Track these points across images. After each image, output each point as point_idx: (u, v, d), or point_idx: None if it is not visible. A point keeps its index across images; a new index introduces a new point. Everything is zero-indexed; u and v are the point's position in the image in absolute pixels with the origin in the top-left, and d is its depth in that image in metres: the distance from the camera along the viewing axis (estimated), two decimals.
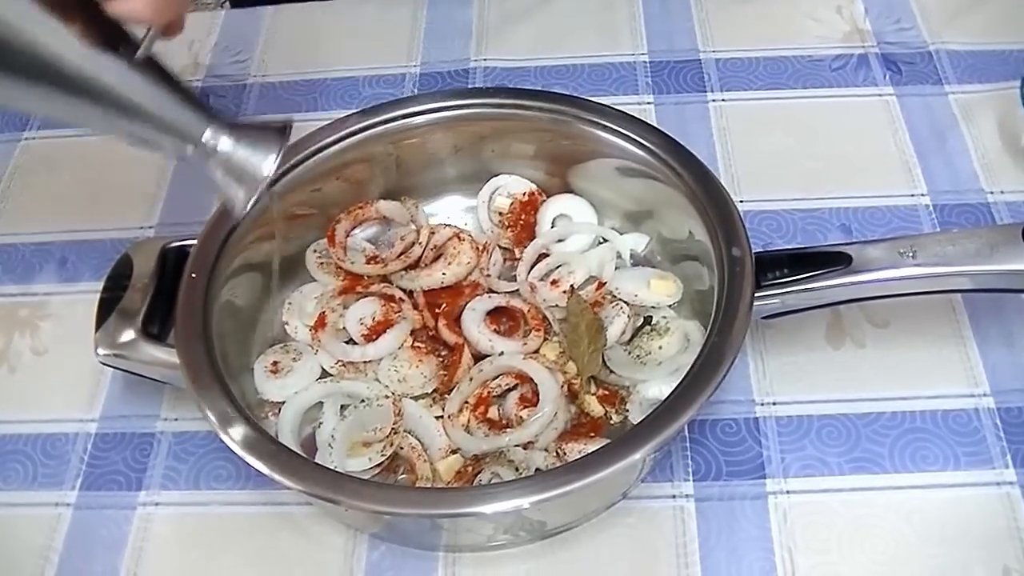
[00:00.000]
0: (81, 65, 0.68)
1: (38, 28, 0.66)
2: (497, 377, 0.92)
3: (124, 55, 0.70)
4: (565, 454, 0.86)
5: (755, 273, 0.83)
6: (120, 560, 0.89)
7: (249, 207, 0.77)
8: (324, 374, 0.94)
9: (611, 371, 0.92)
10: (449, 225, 1.05)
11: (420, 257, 1.01)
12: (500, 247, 1.04)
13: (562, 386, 0.90)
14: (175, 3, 0.74)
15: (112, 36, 0.70)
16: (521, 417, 0.89)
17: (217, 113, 0.75)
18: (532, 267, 1.00)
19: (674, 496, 0.88)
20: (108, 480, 0.93)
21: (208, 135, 0.74)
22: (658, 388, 0.89)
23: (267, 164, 0.75)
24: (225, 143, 0.74)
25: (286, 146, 0.76)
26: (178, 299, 0.87)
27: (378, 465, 0.86)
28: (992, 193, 1.07)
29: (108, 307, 0.89)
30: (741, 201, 1.07)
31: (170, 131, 0.73)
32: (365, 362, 0.94)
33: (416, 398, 0.92)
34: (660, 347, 0.91)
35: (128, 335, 0.87)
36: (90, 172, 1.19)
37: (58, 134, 1.24)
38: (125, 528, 0.90)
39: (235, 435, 0.78)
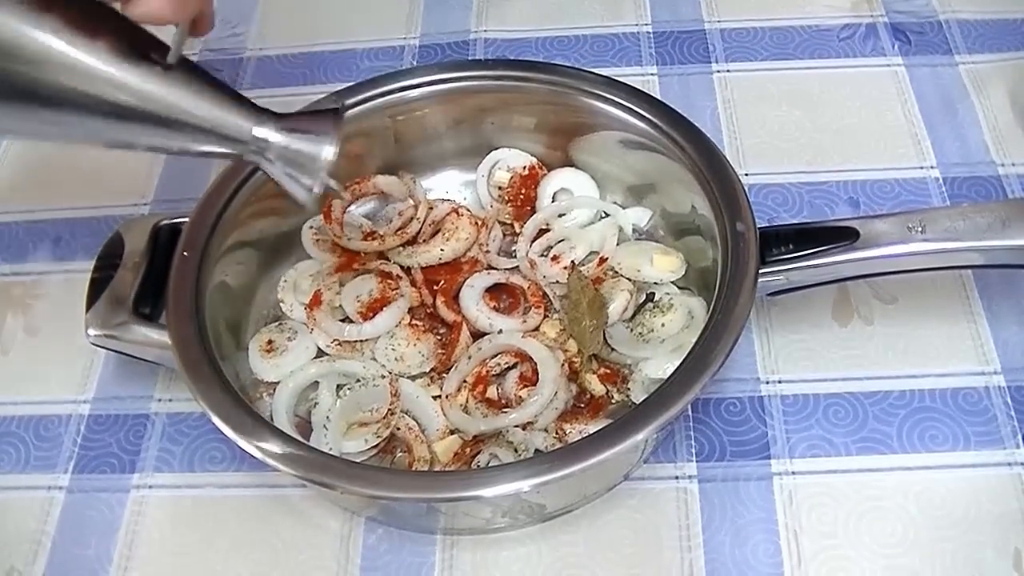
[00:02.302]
0: (115, 83, 0.64)
1: (64, 57, 0.62)
2: (496, 356, 0.91)
3: (156, 62, 0.66)
4: (565, 435, 0.85)
5: (760, 249, 0.81)
6: (113, 544, 0.88)
7: (315, 198, 0.73)
8: (320, 353, 0.93)
9: (613, 349, 0.90)
10: (448, 200, 1.03)
11: (418, 233, 1.00)
12: (500, 222, 1.02)
13: (562, 365, 0.88)
14: None
15: (140, 44, 0.66)
16: (520, 397, 0.88)
17: (263, 108, 0.71)
18: (532, 242, 0.99)
19: (677, 477, 0.87)
20: (101, 463, 0.92)
21: (258, 132, 0.70)
22: (661, 366, 0.87)
23: (326, 151, 0.71)
24: (277, 137, 0.70)
25: (343, 129, 0.72)
26: (170, 278, 0.85)
27: (375, 446, 0.85)
28: (1003, 166, 1.05)
29: (99, 287, 0.87)
30: (746, 174, 1.06)
31: (218, 135, 0.69)
32: (361, 341, 0.92)
33: (413, 377, 0.91)
34: (663, 324, 0.89)
35: (119, 316, 0.85)
36: (83, 150, 1.16)
37: None
38: (118, 511, 0.89)
39: (227, 418, 0.76)
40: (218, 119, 0.68)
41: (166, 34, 0.68)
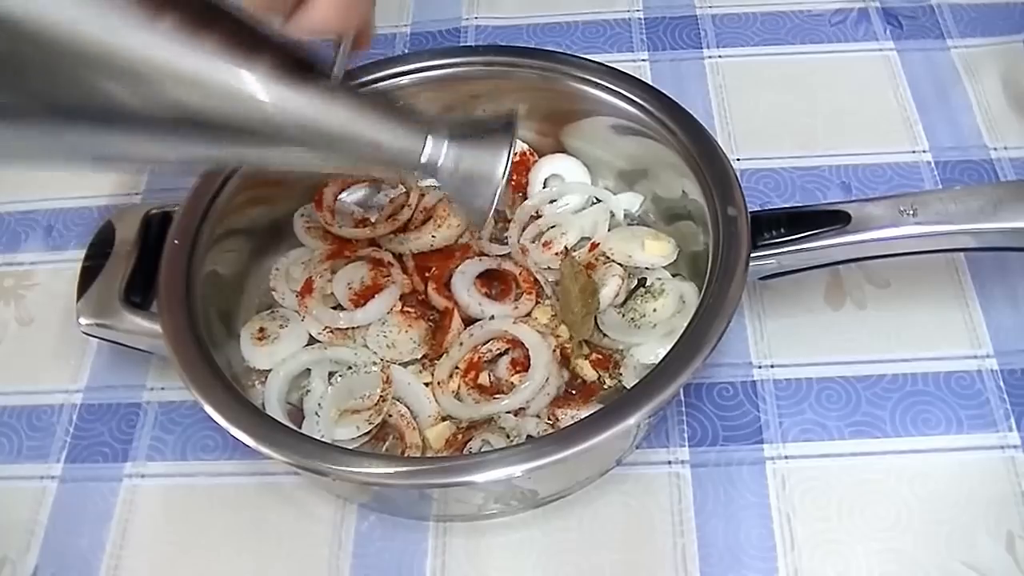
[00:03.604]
0: (280, 107, 0.60)
1: (221, 81, 0.57)
2: (488, 342, 0.90)
3: (319, 80, 0.62)
4: (557, 420, 0.84)
5: (751, 233, 0.81)
6: (106, 533, 0.87)
7: (484, 216, 0.71)
8: (312, 341, 0.93)
9: (604, 334, 0.90)
10: (439, 187, 1.02)
11: (409, 220, 0.99)
12: None
13: (554, 350, 0.88)
14: (357, 5, 0.65)
15: (299, 63, 0.61)
16: (512, 383, 0.88)
17: (434, 117, 0.68)
18: (524, 229, 0.99)
19: (669, 462, 0.87)
20: (94, 452, 0.92)
21: (430, 149, 0.66)
22: (652, 351, 0.87)
23: (499, 169, 0.68)
24: (449, 155, 0.67)
25: (515, 143, 0.69)
26: (161, 267, 0.85)
27: (366, 433, 0.85)
28: (996, 149, 1.05)
29: (90, 276, 0.87)
30: (738, 159, 1.06)
31: (388, 153, 0.66)
32: (353, 328, 0.92)
33: (405, 364, 0.91)
34: (655, 309, 0.89)
35: (110, 305, 0.85)
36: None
37: None
38: (111, 501, 0.89)
39: (219, 406, 0.76)
40: (387, 136, 0.65)
41: None
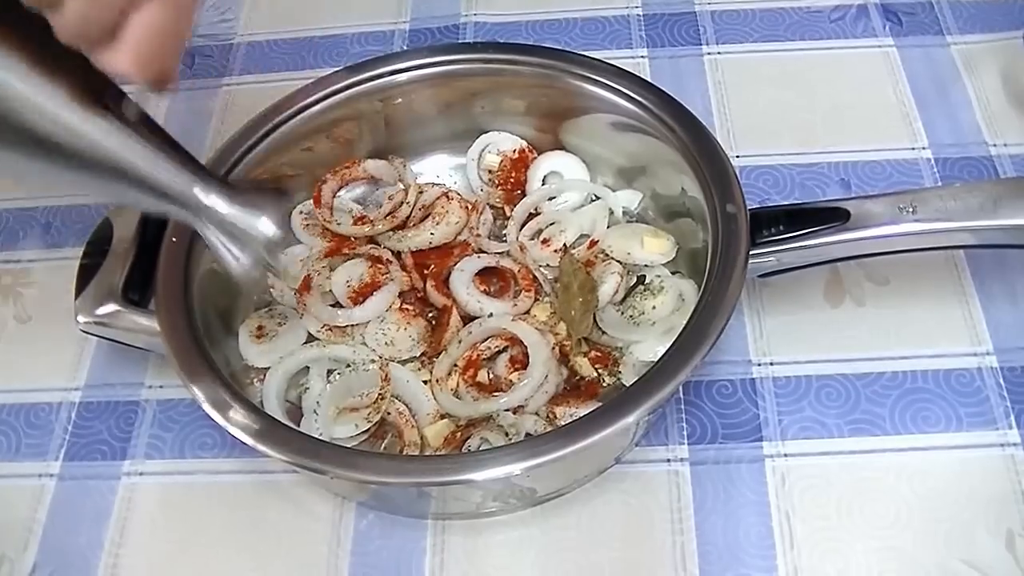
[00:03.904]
0: (72, 129, 0.63)
1: (31, 99, 0.61)
2: (487, 339, 0.90)
3: (114, 112, 0.65)
4: (556, 418, 0.84)
5: (750, 230, 0.81)
6: (105, 531, 0.87)
7: (248, 273, 0.73)
8: (310, 338, 0.93)
9: (603, 332, 0.90)
10: (438, 184, 1.03)
11: (408, 217, 0.99)
12: (490, 206, 1.02)
13: (553, 348, 0.88)
14: (162, 57, 0.66)
15: (99, 89, 0.65)
16: (511, 380, 0.88)
17: (211, 173, 0.70)
18: (522, 226, 0.99)
19: (669, 460, 0.86)
20: (92, 450, 0.92)
21: (202, 197, 0.69)
22: (652, 349, 0.87)
23: (265, 227, 0.70)
24: (222, 205, 0.69)
25: (290, 208, 0.72)
26: (159, 264, 0.85)
27: (365, 431, 0.85)
28: (995, 146, 1.05)
29: (88, 274, 0.87)
30: (737, 156, 1.06)
31: (161, 194, 0.68)
32: (352, 325, 0.92)
33: (404, 362, 0.91)
34: (654, 307, 0.89)
35: (108, 302, 0.85)
36: None
37: None
38: (110, 498, 0.89)
39: (217, 405, 0.76)
40: (167, 179, 0.67)
41: None
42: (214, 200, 0.69)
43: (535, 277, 0.94)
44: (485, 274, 0.96)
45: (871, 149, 1.05)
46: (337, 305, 0.94)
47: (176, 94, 0.75)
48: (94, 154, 0.64)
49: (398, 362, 0.90)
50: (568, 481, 0.84)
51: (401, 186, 1.01)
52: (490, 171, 1.03)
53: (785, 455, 0.86)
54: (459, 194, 1.01)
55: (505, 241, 0.98)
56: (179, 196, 0.68)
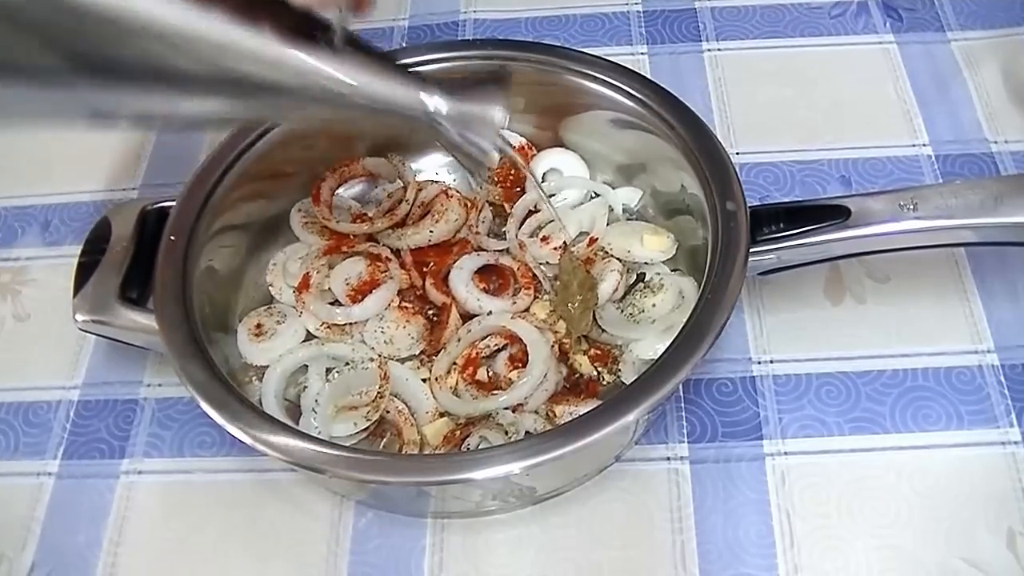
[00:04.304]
0: (284, 67, 0.64)
1: (234, 48, 0.61)
2: (486, 337, 0.90)
3: (323, 42, 0.66)
4: (556, 416, 0.84)
5: (750, 228, 0.81)
6: (103, 529, 0.87)
7: (491, 159, 0.75)
8: (309, 336, 0.92)
9: (603, 330, 0.90)
10: (437, 181, 1.03)
11: (407, 215, 0.99)
12: (489, 203, 1.01)
13: (552, 346, 0.88)
14: None
15: (305, 26, 0.65)
16: (510, 379, 0.87)
17: (430, 78, 0.72)
18: (522, 223, 0.98)
19: (668, 458, 0.86)
20: (91, 448, 0.92)
21: (429, 103, 0.71)
22: (651, 347, 0.87)
23: (497, 113, 0.73)
24: (448, 106, 0.72)
25: (510, 90, 0.74)
26: (157, 263, 0.85)
27: (364, 430, 0.85)
28: (996, 143, 1.05)
29: (86, 272, 0.87)
30: (737, 153, 1.06)
31: (390, 111, 0.70)
32: (351, 323, 0.92)
33: (403, 360, 0.91)
34: (653, 305, 0.89)
35: (107, 301, 0.85)
36: (73, 133, 1.16)
37: None
38: (108, 497, 0.89)
39: (215, 403, 0.76)
40: (389, 96, 0.69)
41: None
42: (439, 102, 0.71)
43: (534, 275, 0.94)
44: (484, 272, 0.95)
45: (872, 146, 1.05)
46: (336, 303, 0.93)
47: (371, 14, 0.77)
48: (315, 86, 0.65)
49: (397, 360, 0.90)
50: (568, 480, 0.84)
51: (400, 183, 1.01)
52: (489, 168, 1.02)
53: (785, 453, 0.86)
54: (458, 191, 1.01)
55: (504, 239, 0.98)
56: (408, 109, 0.71)
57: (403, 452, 0.84)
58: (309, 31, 0.65)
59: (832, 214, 0.81)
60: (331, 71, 0.65)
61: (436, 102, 0.71)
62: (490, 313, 0.90)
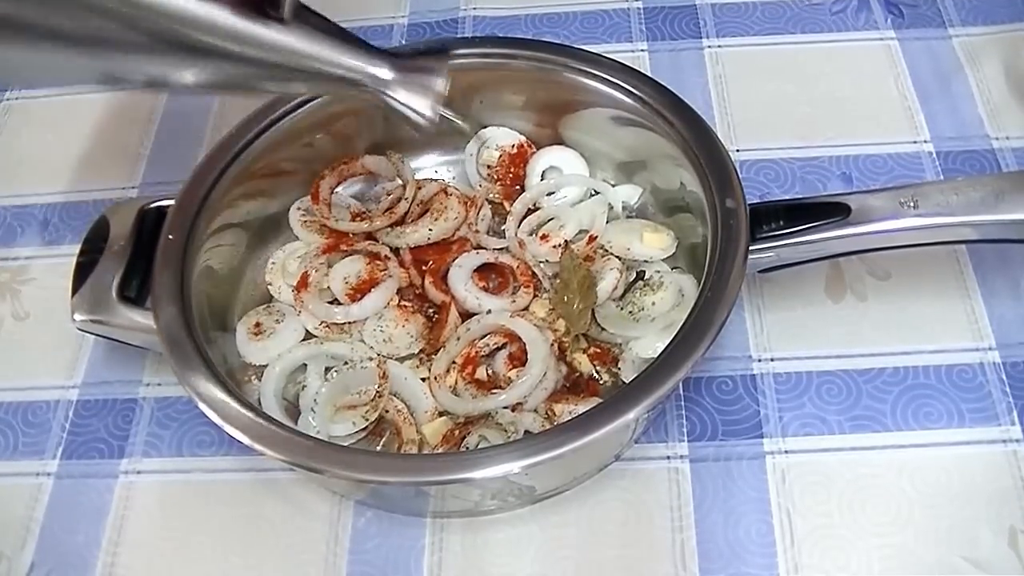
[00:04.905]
0: (239, 39, 0.69)
1: (195, 20, 0.67)
2: (485, 336, 0.90)
3: (273, 16, 0.71)
4: (555, 415, 0.84)
5: (750, 225, 0.81)
6: (102, 529, 0.87)
7: (433, 123, 0.79)
8: (308, 335, 0.92)
9: (602, 328, 0.90)
10: (436, 180, 1.02)
11: (406, 213, 0.98)
12: (489, 201, 1.01)
13: (552, 344, 0.88)
14: None
15: (257, 3, 0.70)
16: (509, 378, 0.87)
17: (378, 49, 0.76)
18: (521, 221, 0.98)
19: (668, 457, 0.86)
20: (90, 448, 0.92)
21: (375, 72, 0.75)
22: (651, 345, 0.87)
23: (438, 82, 0.78)
24: (392, 75, 0.76)
25: (448, 66, 0.79)
26: (155, 262, 0.85)
27: (363, 429, 0.84)
28: (998, 139, 1.04)
29: (85, 271, 0.87)
30: (737, 150, 1.05)
31: (336, 78, 0.74)
32: (350, 322, 0.91)
33: (402, 359, 0.90)
34: (653, 303, 0.89)
35: (105, 300, 0.84)
36: (73, 132, 1.17)
37: (40, 94, 1.21)
38: (107, 497, 0.89)
39: (214, 403, 0.76)
40: (337, 62, 0.74)
41: None
42: (384, 71, 0.76)
43: (534, 273, 0.94)
44: (484, 270, 0.95)
45: (872, 143, 1.05)
46: (335, 302, 0.93)
47: None
48: (267, 57, 0.71)
49: (396, 359, 0.90)
50: (567, 479, 0.84)
51: (399, 182, 1.01)
52: (489, 166, 1.02)
53: (786, 452, 0.85)
54: (458, 189, 1.01)
55: (504, 237, 0.97)
56: (353, 77, 0.75)
57: (402, 451, 0.84)
58: (259, 2, 0.70)
59: (832, 211, 0.81)
60: (280, 39, 0.70)
61: (382, 70, 0.75)
62: (489, 312, 0.90)
